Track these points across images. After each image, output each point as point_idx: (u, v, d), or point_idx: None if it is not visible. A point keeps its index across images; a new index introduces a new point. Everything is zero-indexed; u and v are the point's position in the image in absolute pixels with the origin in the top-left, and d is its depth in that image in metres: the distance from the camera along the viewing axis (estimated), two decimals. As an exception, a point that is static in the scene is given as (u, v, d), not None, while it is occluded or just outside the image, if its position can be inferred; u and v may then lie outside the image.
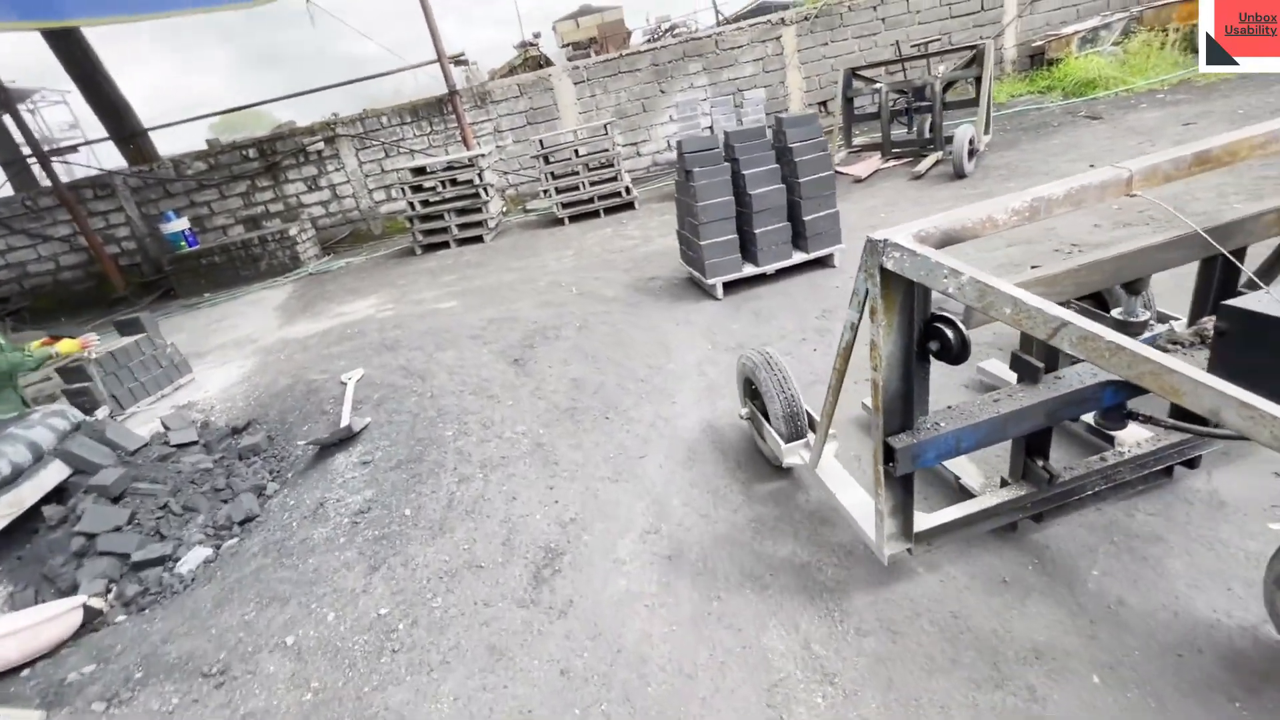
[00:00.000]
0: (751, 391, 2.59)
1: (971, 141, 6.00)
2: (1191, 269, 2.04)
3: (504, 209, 9.51)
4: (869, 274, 1.56)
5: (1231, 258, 1.79)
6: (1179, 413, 1.88)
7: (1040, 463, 1.91)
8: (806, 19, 9.63)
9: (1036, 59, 9.78)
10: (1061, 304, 1.54)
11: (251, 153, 10.08)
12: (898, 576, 1.97)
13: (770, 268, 4.50)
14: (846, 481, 2.18)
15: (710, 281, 4.44)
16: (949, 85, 6.82)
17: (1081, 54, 9.04)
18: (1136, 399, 1.83)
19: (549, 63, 12.79)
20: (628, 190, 8.16)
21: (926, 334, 1.65)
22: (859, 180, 6.98)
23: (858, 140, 8.04)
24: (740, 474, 2.59)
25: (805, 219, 4.41)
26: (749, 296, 4.43)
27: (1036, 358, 1.84)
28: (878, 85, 7.15)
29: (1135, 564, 1.87)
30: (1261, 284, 1.70)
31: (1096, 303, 2.41)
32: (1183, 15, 8.87)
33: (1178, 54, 8.43)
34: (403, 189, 8.28)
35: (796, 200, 4.39)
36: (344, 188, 10.38)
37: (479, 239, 8.33)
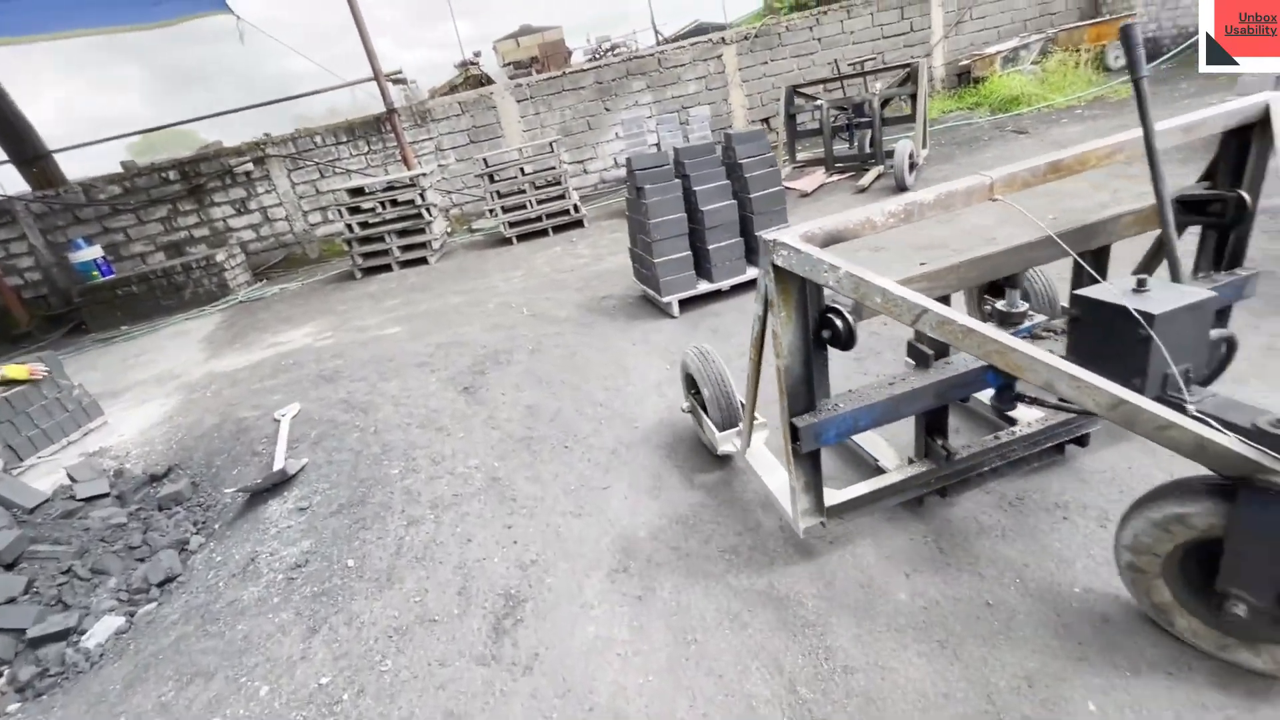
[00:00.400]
0: (692, 386, 2.73)
1: (911, 155, 6.17)
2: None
3: (448, 229, 9.24)
4: (765, 270, 1.74)
5: (1076, 257, 1.93)
6: (1065, 406, 1.99)
7: (940, 441, 2.08)
8: (746, 39, 9.82)
9: (964, 77, 10.26)
10: (942, 298, 1.89)
11: (173, 175, 9.48)
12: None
13: (725, 284, 4.45)
14: (773, 465, 2.33)
15: (666, 299, 4.36)
16: (886, 102, 7.04)
17: (1004, 72, 9.53)
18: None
19: (490, 81, 12.62)
20: (576, 208, 8.05)
21: (821, 324, 1.82)
22: (805, 195, 7.08)
23: (801, 156, 8.19)
24: (711, 502, 2.47)
25: (758, 234, 4.39)
26: (706, 313, 4.37)
27: (928, 346, 2.01)
28: (819, 102, 7.31)
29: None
30: (1099, 277, 1.89)
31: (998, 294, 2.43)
32: (1092, 37, 9.49)
33: (1091, 72, 8.98)
34: (340, 210, 7.92)
35: (748, 216, 4.38)
36: (276, 210, 9.89)
37: (423, 261, 8.04)
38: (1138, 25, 1.98)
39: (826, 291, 1.79)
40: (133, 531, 3.09)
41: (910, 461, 2.18)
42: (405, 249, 8.03)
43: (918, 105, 6.59)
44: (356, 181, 8.61)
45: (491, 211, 8.11)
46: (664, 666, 1.85)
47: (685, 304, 4.47)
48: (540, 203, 8.05)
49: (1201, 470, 1.40)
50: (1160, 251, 2.13)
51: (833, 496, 2.05)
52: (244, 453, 3.73)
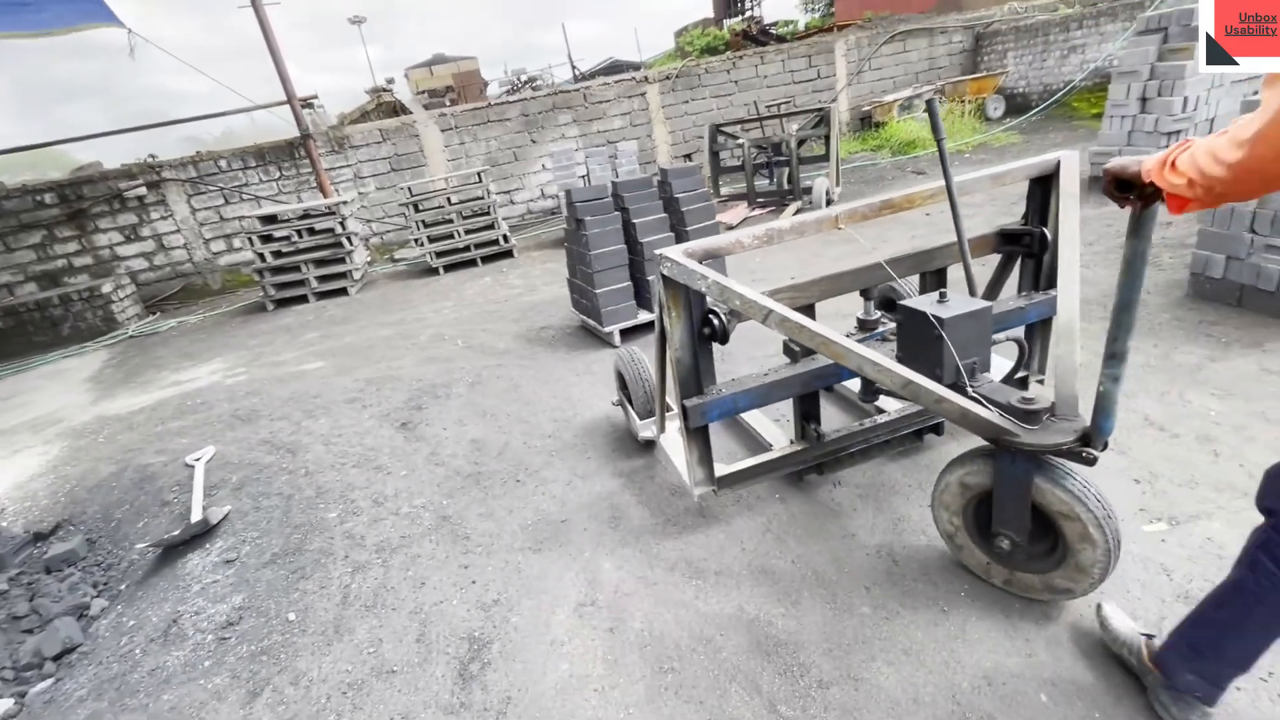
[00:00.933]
0: (623, 383, 3.11)
1: (828, 192, 6.61)
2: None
3: (369, 259, 8.89)
4: (659, 279, 2.11)
5: (896, 280, 2.47)
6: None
7: (813, 425, 2.44)
8: (669, 78, 10.23)
9: (865, 121, 11.14)
10: (804, 308, 2.30)
11: (49, 198, 8.60)
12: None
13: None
14: (678, 448, 2.57)
15: (608, 329, 4.40)
16: (802, 142, 7.52)
17: (901, 119, 10.45)
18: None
19: (404, 109, 12.42)
20: (505, 238, 8.00)
21: (704, 322, 2.19)
22: (730, 227, 7.39)
23: (725, 190, 8.57)
24: (673, 527, 2.50)
25: (656, 251, 4.54)
26: (647, 343, 4.41)
27: (795, 344, 2.39)
28: (740, 141, 7.71)
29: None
30: (905, 291, 2.49)
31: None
32: (974, 90, 10.59)
33: (974, 121, 10.01)
34: (250, 239, 7.45)
35: (686, 247, 4.51)
36: (173, 238, 9.17)
37: (343, 292, 7.69)
38: (936, 99, 2.45)
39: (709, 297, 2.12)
40: (16, 600, 2.73)
41: (791, 443, 2.52)
42: (323, 279, 7.65)
43: (831, 146, 7.10)
44: (269, 208, 8.15)
45: (418, 241, 7.90)
46: (643, 698, 1.83)
47: (626, 333, 4.52)
48: (468, 232, 7.94)
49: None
50: (1002, 273, 2.64)
51: (722, 470, 2.39)
52: (150, 503, 3.38)
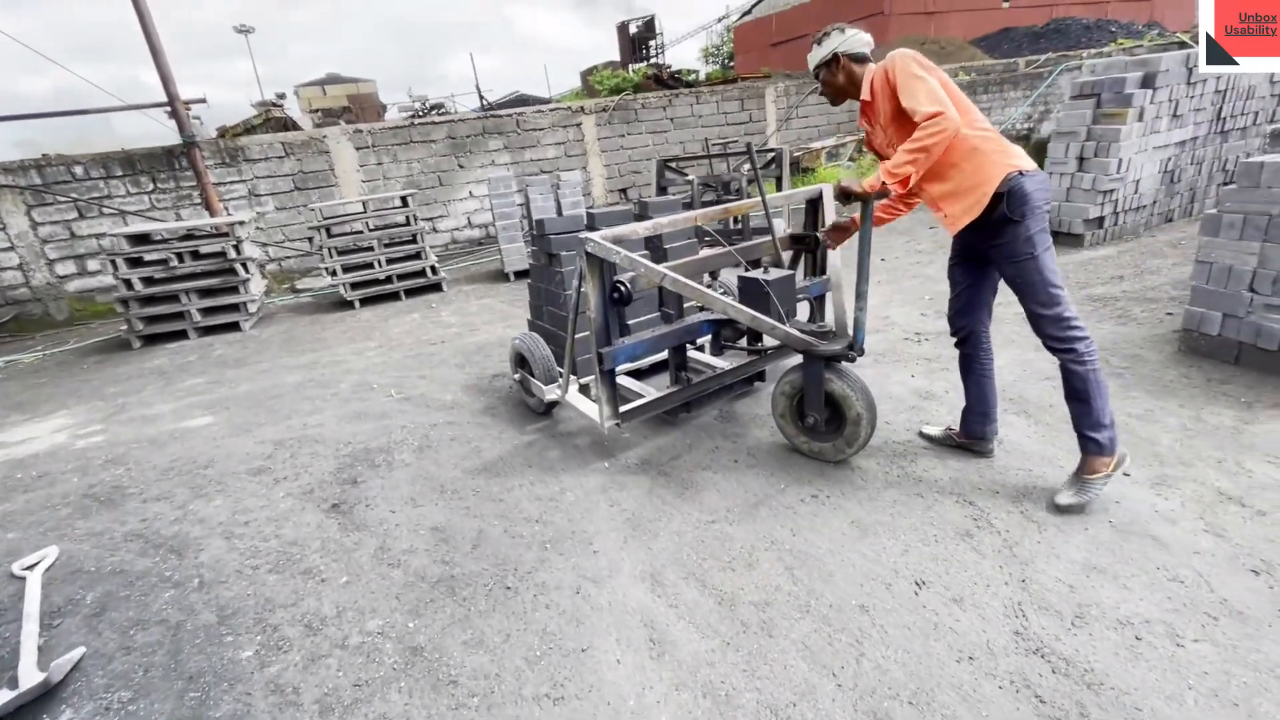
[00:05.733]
0: (522, 363, 3.71)
1: (784, 230, 6.43)
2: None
3: (267, 289, 7.69)
4: (581, 255, 2.69)
5: (744, 262, 3.17)
6: (752, 348, 3.42)
7: (684, 373, 3.20)
8: (605, 110, 9.90)
9: (795, 166, 11.37)
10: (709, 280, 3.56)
11: None
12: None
13: (645, 361, 4.02)
14: (582, 400, 3.27)
15: (583, 379, 3.79)
16: (751, 180, 7.37)
17: (828, 165, 10.74)
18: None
19: (295, 126, 11.26)
20: (434, 269, 7.18)
21: (613, 289, 2.87)
22: (683, 265, 7.04)
23: (669, 227, 8.27)
24: (754, 661, 1.93)
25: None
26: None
27: (672, 308, 3.30)
28: (689, 177, 7.44)
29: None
30: (749, 267, 3.09)
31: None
32: (895, 142, 11.07)
33: (898, 172, 10.44)
34: (113, 261, 6.14)
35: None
36: (5, 256, 7.51)
37: (234, 327, 6.51)
38: (753, 142, 3.00)
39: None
40: None
41: (668, 386, 3.24)
42: (209, 311, 6.44)
43: (783, 186, 6.98)
44: (140, 226, 6.83)
45: (329, 270, 6.89)
46: None
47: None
48: (390, 262, 7.05)
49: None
50: (795, 261, 3.47)
51: (622, 407, 2.98)
52: (-49, 640, 2.34)
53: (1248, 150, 6.48)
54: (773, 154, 7.24)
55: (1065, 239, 5.95)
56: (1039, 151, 9.58)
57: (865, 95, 2.44)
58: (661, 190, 7.84)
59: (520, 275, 7.45)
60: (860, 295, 2.51)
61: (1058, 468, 2.68)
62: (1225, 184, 6.58)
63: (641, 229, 2.89)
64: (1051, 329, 2.31)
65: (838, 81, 2.52)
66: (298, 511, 2.97)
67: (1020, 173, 2.22)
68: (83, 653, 2.14)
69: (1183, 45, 9.78)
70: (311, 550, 2.66)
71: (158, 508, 3.12)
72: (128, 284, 6.12)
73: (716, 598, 2.17)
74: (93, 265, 7.86)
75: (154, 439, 4.00)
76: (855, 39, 2.46)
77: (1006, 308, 4.58)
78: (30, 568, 2.62)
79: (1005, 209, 2.24)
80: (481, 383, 4.36)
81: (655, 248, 4.10)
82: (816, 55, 2.52)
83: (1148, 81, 5.52)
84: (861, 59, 2.47)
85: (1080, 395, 2.33)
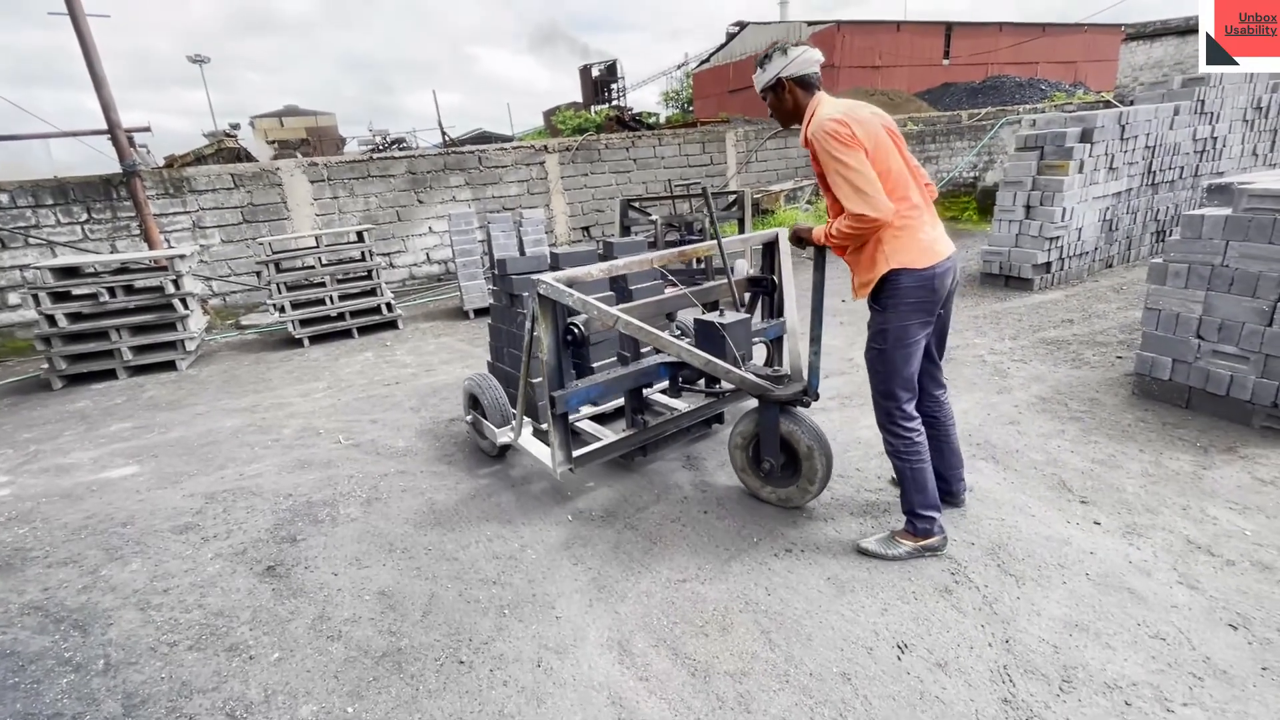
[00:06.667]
0: (475, 404, 3.63)
1: (747, 271, 6.47)
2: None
3: (208, 325, 7.29)
4: (534, 296, 2.63)
5: (701, 305, 3.19)
6: (709, 390, 3.35)
7: (640, 415, 3.17)
8: (569, 149, 9.95)
9: (755, 208, 11.61)
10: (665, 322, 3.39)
11: None
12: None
13: (609, 405, 3.89)
14: (536, 444, 3.14)
15: (543, 424, 3.63)
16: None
17: (787, 208, 11.00)
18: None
19: (249, 157, 10.96)
20: (389, 306, 6.94)
21: (566, 331, 2.85)
22: (646, 304, 7.00)
23: (632, 265, 8.26)
24: (712, 739, 1.77)
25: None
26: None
27: (627, 350, 3.52)
28: (653, 217, 7.47)
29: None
30: (705, 309, 3.16)
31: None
32: (850, 187, 11.44)
33: (854, 215, 10.76)
34: (35, 295, 5.70)
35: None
36: (-87, 288, 6.92)
37: (169, 366, 6.10)
38: (709, 187, 3.10)
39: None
40: None
41: (625, 429, 3.19)
42: (141, 349, 6.03)
43: (745, 227, 7.07)
44: (69, 258, 6.40)
45: (277, 307, 6.57)
46: None
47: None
48: (343, 298, 6.78)
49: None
50: (754, 303, 3.50)
51: (576, 450, 2.91)
52: None
53: (1176, 202, 6.90)
54: (734, 195, 7.34)
55: (1016, 283, 6.16)
56: (986, 197, 10.04)
57: (802, 140, 2.29)
58: (625, 230, 7.84)
59: (480, 313, 7.27)
60: (814, 339, 2.56)
61: (1029, 516, 2.65)
62: (1158, 233, 6.98)
63: (596, 270, 2.84)
64: (880, 416, 2.42)
65: (785, 106, 2.35)
66: (227, 575, 2.69)
67: (901, 270, 2.17)
68: (-48, 759, 1.83)
69: (1108, 104, 10.54)
70: (240, 622, 2.39)
71: (64, 574, 2.78)
72: (50, 320, 5.67)
73: (689, 668, 2.01)
74: (13, 299, 7.32)
75: (68, 492, 3.63)
76: (799, 60, 2.26)
77: (964, 349, 4.66)
78: (-99, 651, 2.27)
79: (871, 295, 2.30)
80: (437, 427, 4.15)
81: (620, 289, 4.03)
82: (761, 79, 2.35)
83: (1085, 136, 5.83)
84: (807, 83, 2.29)
85: (898, 478, 2.46)
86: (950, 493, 2.68)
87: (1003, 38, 28.33)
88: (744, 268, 6.35)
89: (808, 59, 2.28)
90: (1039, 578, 2.28)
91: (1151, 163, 6.44)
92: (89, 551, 2.96)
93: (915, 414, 2.38)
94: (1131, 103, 8.07)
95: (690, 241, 7.78)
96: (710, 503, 2.95)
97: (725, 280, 3.15)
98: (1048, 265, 6.06)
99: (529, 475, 3.39)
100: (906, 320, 2.23)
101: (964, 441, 3.29)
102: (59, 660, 2.24)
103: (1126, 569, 2.29)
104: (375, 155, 9.24)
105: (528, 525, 2.90)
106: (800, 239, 2.48)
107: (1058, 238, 5.95)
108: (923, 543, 2.41)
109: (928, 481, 2.38)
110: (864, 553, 2.46)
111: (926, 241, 2.21)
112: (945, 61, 28.09)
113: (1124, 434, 3.29)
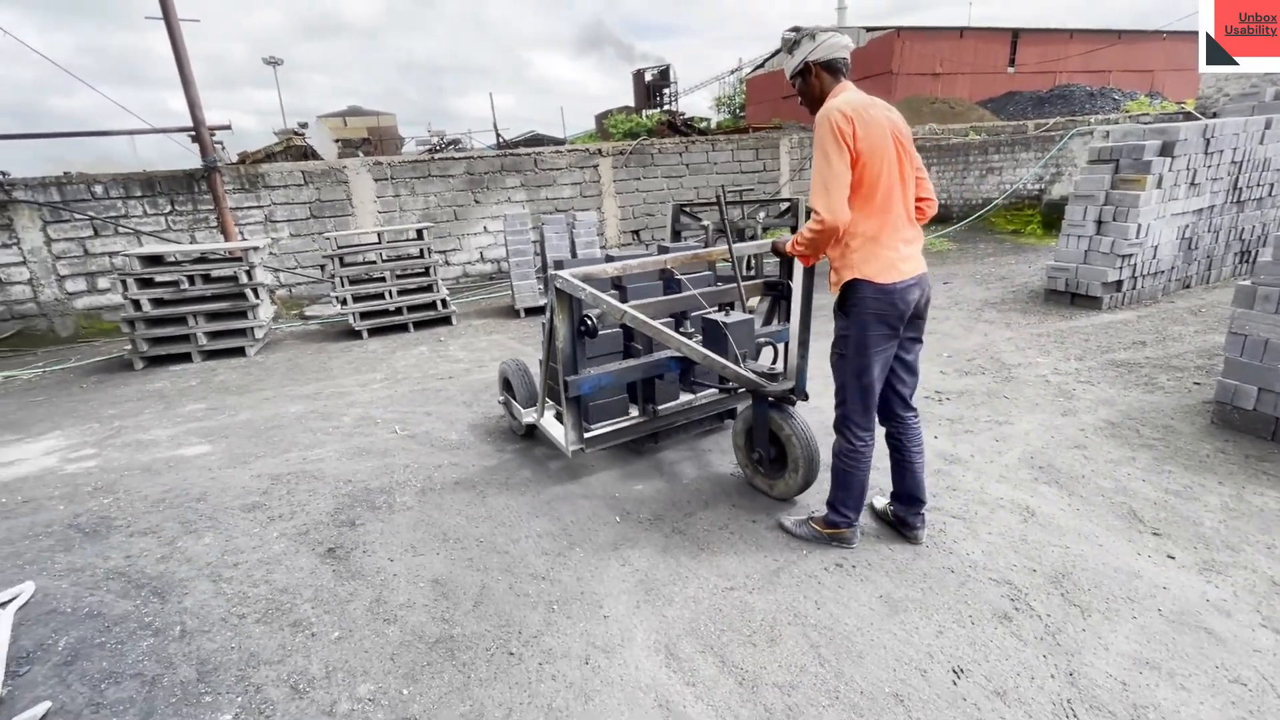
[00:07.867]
0: (508, 387, 3.95)
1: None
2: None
3: (275, 314, 7.65)
4: (551, 290, 2.83)
5: (704, 304, 3.27)
6: (722, 386, 3.44)
7: (650, 405, 3.33)
8: (623, 153, 10.05)
9: (807, 214, 11.46)
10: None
11: None
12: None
13: (663, 408, 3.90)
14: (555, 425, 3.40)
15: (596, 429, 3.67)
16: (766, 229, 7.40)
17: (840, 216, 10.82)
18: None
19: (315, 155, 11.43)
20: (444, 303, 7.14)
21: (581, 322, 2.93)
22: (695, 310, 7.00)
23: (681, 270, 8.27)
24: (759, 749, 1.76)
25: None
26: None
27: (638, 343, 3.39)
28: (705, 223, 7.47)
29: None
30: (711, 310, 3.23)
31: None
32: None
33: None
34: (123, 281, 6.10)
35: (686, 335, 3.98)
36: (15, 270, 7.51)
37: (239, 352, 6.43)
38: (722, 189, 3.03)
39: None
40: None
41: (636, 416, 3.38)
42: (216, 335, 6.37)
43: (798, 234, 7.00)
44: (154, 246, 6.83)
45: (340, 299, 6.85)
46: None
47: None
48: (401, 293, 7.02)
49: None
50: (773, 306, 3.63)
51: (587, 433, 3.15)
52: (-91, 684, 2.17)
53: (1264, 221, 6.49)
54: (788, 203, 7.27)
55: (1083, 301, 5.90)
56: (1052, 211, 9.65)
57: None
58: (676, 235, 7.87)
59: (531, 312, 7.40)
60: (802, 344, 2.91)
61: (1097, 545, 2.54)
62: (1243, 253, 6.58)
63: (611, 269, 3.08)
64: (836, 418, 2.49)
65: (812, 91, 2.32)
66: (291, 554, 2.82)
67: (862, 281, 2.21)
68: (47, 708, 1.97)
69: (1189, 115, 9.98)
70: (303, 599, 2.51)
71: (144, 543, 2.97)
72: (136, 304, 6.07)
73: (737, 677, 2.01)
74: (103, 283, 7.84)
75: (147, 466, 3.87)
76: (827, 45, 2.24)
77: (1027, 368, 4.49)
78: (3, 605, 2.46)
79: (836, 302, 2.35)
80: (489, 422, 4.25)
81: (670, 282, 4.03)
82: (789, 64, 2.35)
83: (1166, 150, 5.55)
84: (834, 69, 2.27)
85: (831, 475, 2.56)
86: (906, 524, 2.60)
87: (1073, 45, 27.22)
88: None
89: (835, 44, 2.26)
90: (1107, 610, 2.18)
91: (1238, 179, 6.08)
92: (166, 524, 3.14)
93: (870, 425, 2.42)
94: (1215, 115, 7.64)
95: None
96: (759, 512, 2.93)
97: (749, 283, 3.31)
98: (1119, 284, 5.78)
99: (578, 475, 3.44)
100: (867, 330, 2.27)
101: (1025, 464, 3.19)
102: (140, 624, 2.39)
103: (1204, 607, 2.17)
104: (435, 155, 9.54)
105: (576, 524, 2.95)
106: (778, 251, 2.62)
107: (1131, 255, 5.68)
108: (830, 532, 2.58)
109: (856, 486, 2.49)
110: (781, 528, 2.73)
111: (891, 258, 2.23)
112: (1010, 69, 27.15)
113: (1202, 465, 3.11)
